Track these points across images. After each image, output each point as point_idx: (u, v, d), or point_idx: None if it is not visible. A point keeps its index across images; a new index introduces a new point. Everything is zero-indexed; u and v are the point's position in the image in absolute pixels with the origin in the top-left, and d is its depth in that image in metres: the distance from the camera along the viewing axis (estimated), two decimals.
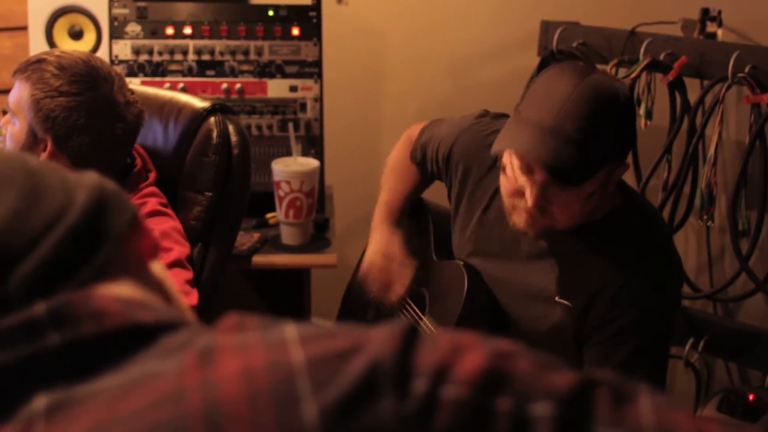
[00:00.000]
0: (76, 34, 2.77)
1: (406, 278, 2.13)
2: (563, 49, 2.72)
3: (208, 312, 2.24)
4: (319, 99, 2.75)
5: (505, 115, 2.07)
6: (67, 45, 2.76)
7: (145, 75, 2.69)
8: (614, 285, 1.80)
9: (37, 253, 0.75)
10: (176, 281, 2.01)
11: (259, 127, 2.73)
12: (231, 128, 2.24)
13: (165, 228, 2.12)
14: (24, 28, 2.79)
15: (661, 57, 2.56)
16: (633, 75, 2.54)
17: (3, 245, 0.75)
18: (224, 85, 2.72)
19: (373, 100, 3.26)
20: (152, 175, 2.22)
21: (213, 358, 0.70)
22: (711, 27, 2.69)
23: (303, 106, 2.74)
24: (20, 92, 2.03)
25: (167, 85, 2.68)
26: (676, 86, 2.57)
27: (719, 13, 2.62)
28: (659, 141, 2.64)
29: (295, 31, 2.72)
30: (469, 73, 3.16)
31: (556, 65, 1.82)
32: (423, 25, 3.15)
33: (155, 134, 2.28)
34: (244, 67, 2.73)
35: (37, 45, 2.73)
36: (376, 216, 2.23)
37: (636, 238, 1.84)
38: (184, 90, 2.68)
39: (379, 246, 2.16)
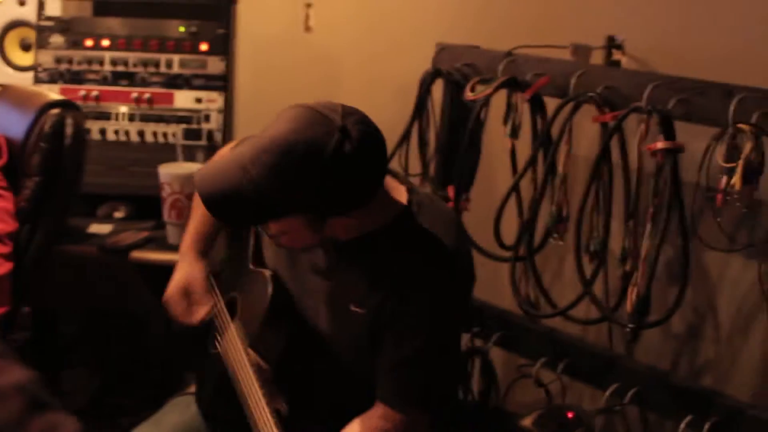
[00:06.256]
0: (27, 47, 3.10)
1: (205, 307, 2.17)
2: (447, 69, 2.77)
3: (35, 289, 2.46)
4: (223, 110, 2.93)
5: None
6: (18, 56, 3.10)
7: (65, 82, 2.96)
8: (397, 290, 1.83)
9: None
10: None
11: (165, 135, 2.95)
12: (68, 121, 2.46)
13: None
14: None
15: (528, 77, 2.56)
16: (487, 92, 2.56)
17: None
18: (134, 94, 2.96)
19: None
20: (1, 162, 2.46)
21: None
22: (616, 55, 2.66)
23: (207, 117, 2.93)
24: None
25: (83, 92, 2.94)
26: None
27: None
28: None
29: (204, 47, 2.92)
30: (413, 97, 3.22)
31: (299, 108, 1.78)
32: (375, 51, 3.26)
33: (16, 125, 2.53)
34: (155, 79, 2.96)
35: None
36: (183, 243, 2.27)
37: (417, 242, 1.86)
38: (97, 98, 2.94)
39: (180, 277, 2.21)
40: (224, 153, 2.22)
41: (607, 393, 2.45)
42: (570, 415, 2.42)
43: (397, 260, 1.83)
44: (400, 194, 1.89)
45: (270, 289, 1.99)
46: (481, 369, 2.81)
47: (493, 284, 2.79)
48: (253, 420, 1.84)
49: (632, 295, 2.34)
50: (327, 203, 1.71)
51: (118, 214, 3.01)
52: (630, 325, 2.36)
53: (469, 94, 2.62)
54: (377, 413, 1.86)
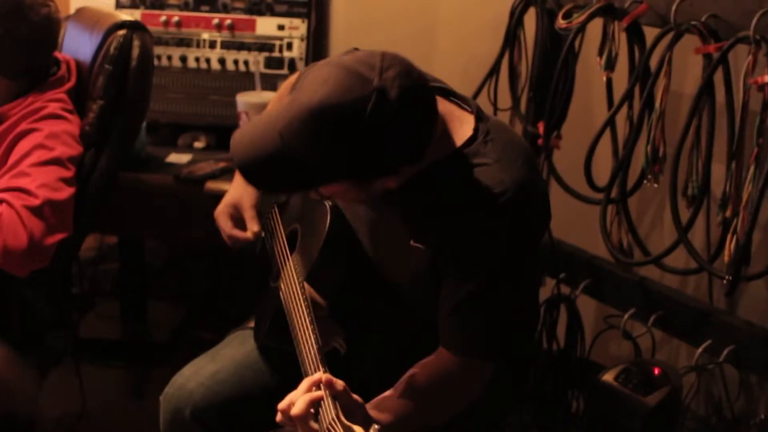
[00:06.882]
0: None
1: (252, 227, 2.07)
2: None
3: (97, 211, 2.39)
4: (306, 38, 2.80)
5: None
6: None
7: (146, 7, 2.87)
8: (454, 229, 1.69)
9: None
10: (48, 177, 2.19)
11: (246, 63, 2.84)
12: (135, 43, 2.36)
13: (56, 130, 2.28)
14: None
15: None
16: (581, 20, 2.37)
17: None
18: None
19: (424, 59, 3.23)
20: (69, 84, 2.39)
21: None
22: None
23: (290, 45, 2.81)
24: None
25: (163, 17, 2.85)
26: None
27: None
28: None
29: None
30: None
31: (332, 68, 1.54)
32: None
33: (86, 47, 2.45)
34: (237, 5, 2.84)
35: None
36: None
37: (478, 177, 1.68)
38: (178, 24, 2.84)
39: (232, 195, 2.13)
40: (289, 83, 2.11)
41: (700, 350, 2.27)
42: (656, 371, 2.24)
43: (455, 197, 1.67)
44: (466, 123, 1.73)
45: (328, 221, 1.88)
46: (567, 317, 2.65)
47: (583, 228, 2.62)
48: (300, 356, 1.73)
49: (731, 244, 2.14)
50: (370, 169, 1.58)
51: (199, 144, 2.92)
52: (727, 277, 2.17)
53: (561, 22, 2.43)
54: (438, 358, 1.74)
